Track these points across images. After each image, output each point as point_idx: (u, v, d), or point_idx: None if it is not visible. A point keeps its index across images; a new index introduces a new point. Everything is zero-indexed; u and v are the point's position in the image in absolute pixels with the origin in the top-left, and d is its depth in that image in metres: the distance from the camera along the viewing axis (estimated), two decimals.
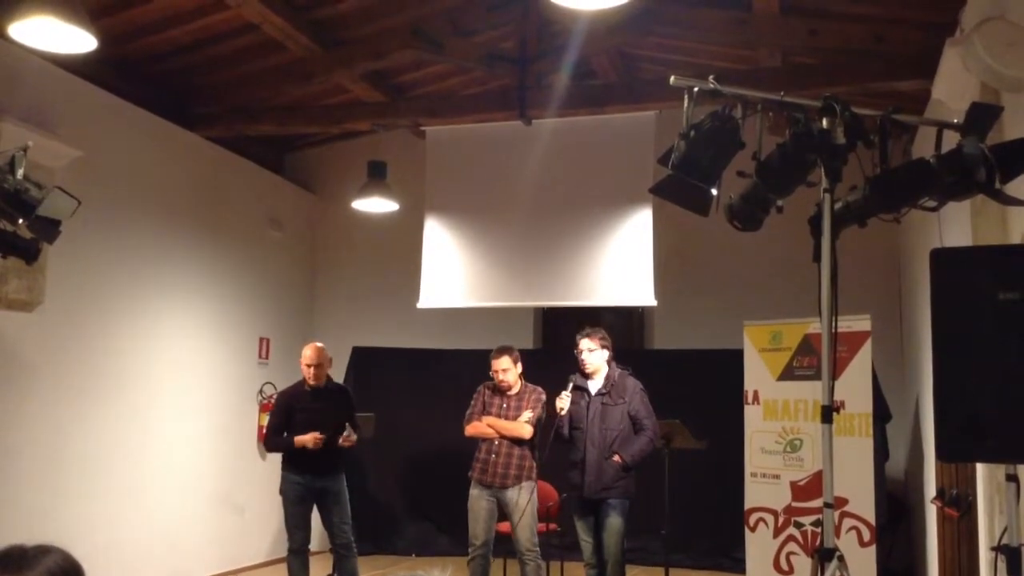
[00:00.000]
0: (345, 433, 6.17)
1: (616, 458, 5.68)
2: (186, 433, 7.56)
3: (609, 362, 5.91)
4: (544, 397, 6.04)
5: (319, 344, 6.44)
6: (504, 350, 6.08)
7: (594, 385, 5.86)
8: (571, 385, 5.81)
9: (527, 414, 5.95)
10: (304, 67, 7.23)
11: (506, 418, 5.99)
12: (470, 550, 5.95)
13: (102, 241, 6.61)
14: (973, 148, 2.92)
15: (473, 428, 6.07)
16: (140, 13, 6.33)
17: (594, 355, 5.85)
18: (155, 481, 7.15)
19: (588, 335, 5.89)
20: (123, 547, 6.62)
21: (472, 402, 6.16)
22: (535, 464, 5.98)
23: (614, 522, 5.67)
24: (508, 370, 6.01)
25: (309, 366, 6.27)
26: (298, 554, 6.26)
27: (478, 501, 5.97)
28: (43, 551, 1.59)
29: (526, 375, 6.20)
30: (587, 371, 5.86)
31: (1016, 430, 2.58)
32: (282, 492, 6.26)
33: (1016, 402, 2.58)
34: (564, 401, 5.73)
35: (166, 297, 7.36)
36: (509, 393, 6.05)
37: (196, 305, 7.76)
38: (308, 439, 6.06)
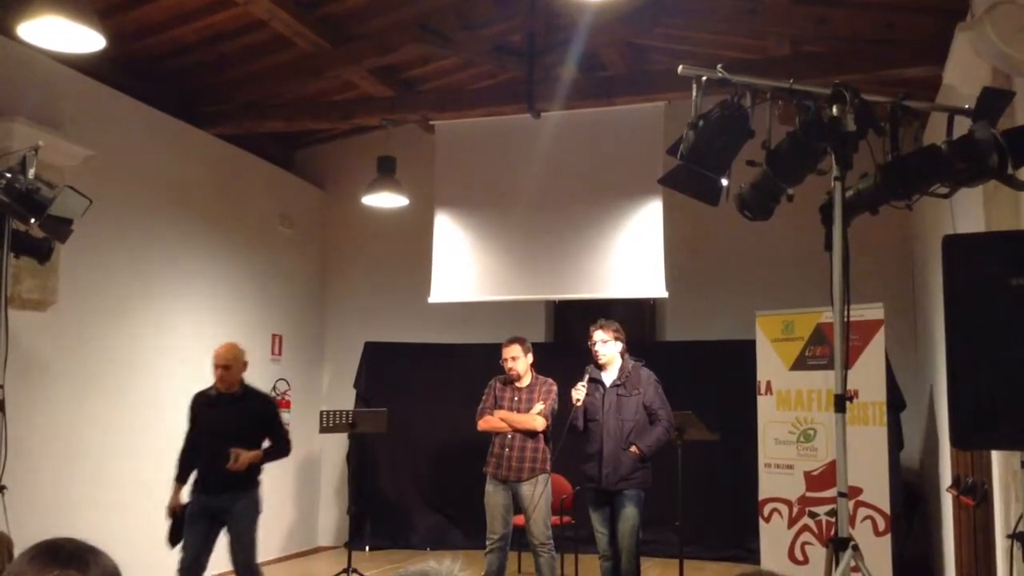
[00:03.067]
0: (232, 459, 5.28)
1: (633, 449, 5.70)
2: None
3: (623, 354, 5.92)
4: (555, 388, 6.05)
5: (232, 342, 5.65)
6: (515, 339, 6.13)
7: (608, 377, 5.88)
8: (587, 376, 5.83)
9: (539, 406, 5.96)
10: (313, 63, 7.23)
11: (518, 411, 5.99)
12: (488, 543, 5.96)
13: (114, 240, 6.64)
14: (985, 133, 2.90)
15: (485, 423, 6.08)
16: (148, 12, 6.35)
17: (608, 346, 5.87)
18: (168, 476, 7.17)
19: (602, 326, 5.91)
20: (137, 542, 6.60)
21: (484, 397, 6.17)
22: (549, 456, 5.99)
23: (629, 513, 5.68)
24: (517, 358, 6.02)
25: (216, 367, 5.49)
26: (181, 573, 5.42)
27: (494, 496, 5.98)
28: (92, 549, 1.57)
29: (539, 368, 6.20)
30: (600, 362, 5.88)
31: None
32: None
33: None
34: (580, 392, 5.75)
35: (178, 294, 7.39)
36: (520, 386, 6.06)
37: (208, 302, 7.78)
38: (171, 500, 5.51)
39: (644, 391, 5.81)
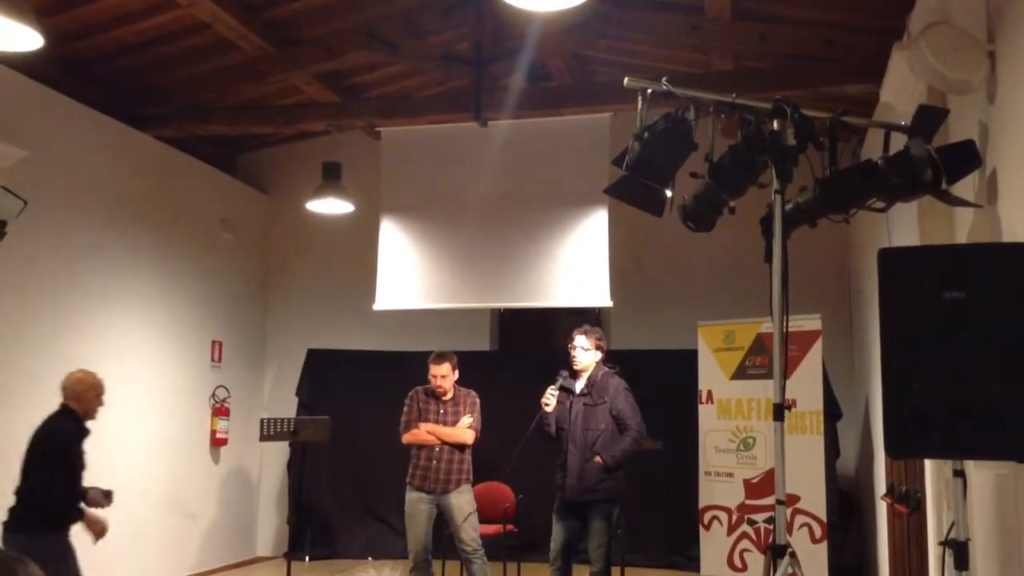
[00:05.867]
0: None
1: (597, 459, 5.48)
2: (136, 439, 7.42)
3: (598, 363, 5.72)
4: (479, 401, 6.09)
5: None
6: (444, 356, 6.06)
7: (580, 385, 5.67)
8: (559, 382, 5.63)
9: (467, 419, 6.00)
10: (257, 67, 7.15)
11: (445, 423, 6.02)
12: (411, 557, 5.92)
13: (49, 243, 6.48)
14: (919, 150, 2.98)
15: (412, 436, 6.05)
16: (89, 11, 6.22)
17: (587, 354, 5.66)
18: (104, 482, 7.00)
19: (585, 332, 5.71)
20: None
21: (406, 409, 6.13)
22: (470, 467, 6.06)
23: (596, 525, 5.49)
24: (447, 376, 6.03)
25: None
26: None
27: (417, 506, 5.96)
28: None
29: (484, 377, 6.23)
30: (576, 368, 5.67)
31: (962, 426, 2.63)
32: None
33: (962, 398, 2.63)
34: (550, 399, 5.57)
35: (115, 300, 7.23)
36: (444, 398, 6.06)
37: (146, 308, 7.63)
38: None
39: (612, 400, 5.58)
